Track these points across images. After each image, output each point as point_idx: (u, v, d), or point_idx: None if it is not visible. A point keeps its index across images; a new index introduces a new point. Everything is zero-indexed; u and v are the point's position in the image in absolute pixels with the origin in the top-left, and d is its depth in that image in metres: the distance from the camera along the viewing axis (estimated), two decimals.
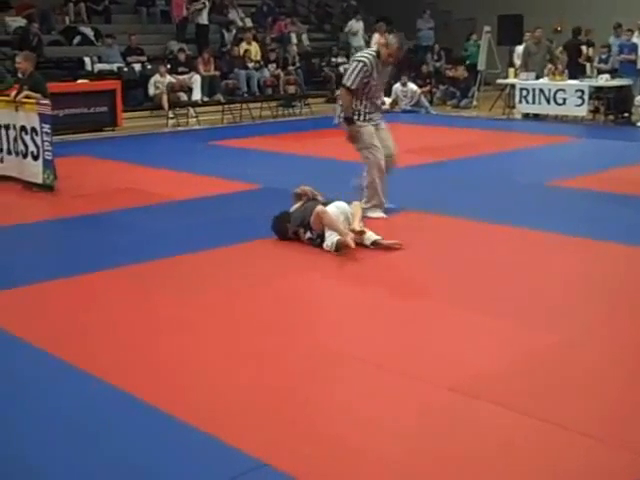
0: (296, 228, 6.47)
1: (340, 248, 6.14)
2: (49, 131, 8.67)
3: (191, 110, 15.68)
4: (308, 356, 4.39)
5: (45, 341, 4.56)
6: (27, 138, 8.88)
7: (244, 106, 16.24)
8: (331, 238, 6.20)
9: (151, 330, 4.78)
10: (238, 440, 3.42)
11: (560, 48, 17.35)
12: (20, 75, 9.67)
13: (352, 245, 6.11)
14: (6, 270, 6.04)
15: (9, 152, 9.22)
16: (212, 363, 4.30)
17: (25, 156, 8.96)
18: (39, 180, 8.83)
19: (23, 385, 4.07)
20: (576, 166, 10.40)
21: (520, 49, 16.96)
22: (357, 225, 6.32)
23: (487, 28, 18.66)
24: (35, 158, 8.83)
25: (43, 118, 8.66)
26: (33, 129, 8.77)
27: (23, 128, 8.89)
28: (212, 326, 4.84)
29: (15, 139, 9.06)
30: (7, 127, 9.15)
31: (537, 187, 8.93)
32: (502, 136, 13.83)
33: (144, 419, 3.68)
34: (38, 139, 8.75)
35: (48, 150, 8.69)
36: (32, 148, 8.86)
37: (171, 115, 15.36)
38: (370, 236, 6.33)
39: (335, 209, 6.41)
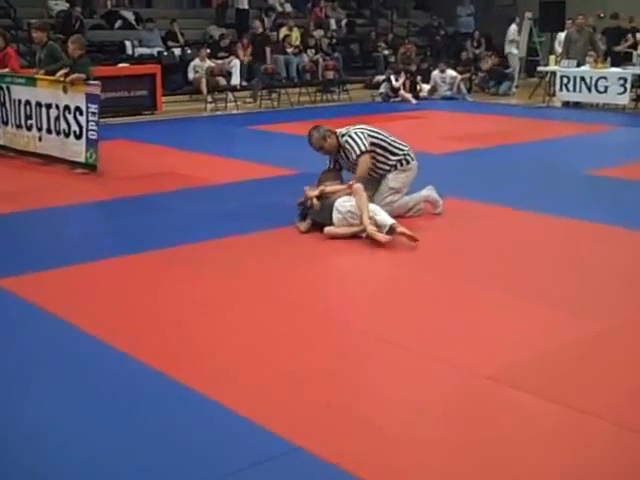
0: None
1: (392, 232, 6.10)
2: (96, 111, 8.79)
3: (230, 95, 15.75)
4: (343, 340, 4.42)
5: (84, 321, 4.64)
6: (70, 117, 9.00)
7: (282, 91, 16.26)
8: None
9: (187, 311, 4.83)
10: (272, 423, 3.45)
11: (599, 35, 17.12)
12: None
13: (380, 239, 6.05)
14: (49, 251, 6.14)
15: (49, 131, 9.34)
16: (246, 345, 4.34)
17: (67, 135, 9.09)
18: (81, 159, 8.97)
19: (63, 363, 4.15)
20: (617, 155, 10.29)
21: (562, 36, 16.77)
22: (366, 221, 6.12)
23: (529, 15, 18.47)
24: (78, 137, 8.97)
25: (90, 98, 8.79)
26: (77, 108, 8.89)
27: (67, 107, 9.02)
28: (247, 309, 4.88)
29: (57, 118, 9.18)
30: (49, 106, 9.26)
31: (577, 176, 8.85)
32: (542, 124, 13.69)
33: (180, 399, 3.73)
34: (82, 119, 8.87)
35: (93, 130, 8.82)
36: (75, 127, 8.98)
37: (210, 99, 15.44)
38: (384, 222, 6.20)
39: (339, 215, 6.27)
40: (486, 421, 3.53)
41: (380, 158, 6.78)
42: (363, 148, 6.64)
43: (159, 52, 16.70)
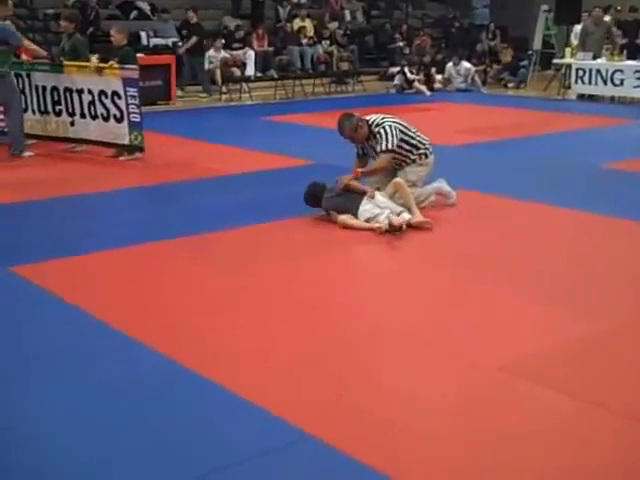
0: (331, 210, 6.49)
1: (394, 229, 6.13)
2: (135, 94, 8.96)
3: (244, 85, 15.76)
4: (352, 331, 4.44)
5: (96, 309, 4.67)
6: (107, 102, 9.13)
7: (297, 82, 16.25)
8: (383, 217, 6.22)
9: (200, 301, 4.86)
10: (283, 412, 3.47)
11: (614, 28, 16.96)
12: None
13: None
14: (64, 239, 6.19)
15: (83, 115, 9.42)
16: (258, 336, 4.35)
17: (106, 119, 9.22)
18: (125, 141, 9.18)
19: (73, 351, 4.18)
20: (633, 148, 10.22)
21: (578, 28, 16.68)
22: (416, 212, 6.30)
23: (545, 7, 18.36)
24: (119, 120, 9.13)
25: (127, 82, 8.94)
26: (115, 93, 9.03)
27: (103, 92, 9.14)
28: (256, 299, 4.90)
29: (92, 103, 9.27)
30: (80, 91, 9.34)
31: (593, 169, 8.82)
32: (557, 117, 13.65)
33: (190, 387, 3.77)
34: (121, 102, 9.03)
35: (135, 113, 9.01)
36: (114, 111, 9.12)
37: (224, 90, 15.45)
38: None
39: (366, 214, 6.32)
40: (496, 412, 3.54)
41: (404, 152, 6.86)
42: (390, 146, 6.71)
43: (174, 43, 16.70)
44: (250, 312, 4.70)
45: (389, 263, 5.78)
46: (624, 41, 16.87)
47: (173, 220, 6.73)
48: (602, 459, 3.19)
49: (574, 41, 16.88)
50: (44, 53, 9.88)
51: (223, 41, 16.27)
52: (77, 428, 3.39)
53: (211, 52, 15.85)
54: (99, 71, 9.17)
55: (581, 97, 15.63)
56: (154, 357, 4.05)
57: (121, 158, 9.31)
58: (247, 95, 15.56)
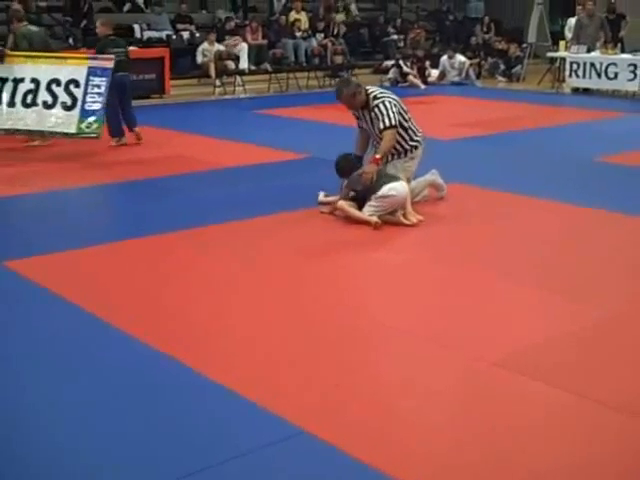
0: (350, 189, 6.47)
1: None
2: (101, 84, 8.86)
3: (238, 79, 15.72)
4: (352, 326, 4.43)
5: (92, 304, 4.66)
6: (58, 90, 8.95)
7: (291, 75, 16.22)
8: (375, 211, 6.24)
9: (196, 295, 4.84)
10: (279, 407, 3.47)
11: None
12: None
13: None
14: (58, 234, 6.17)
15: (11, 104, 9.08)
16: (256, 331, 4.35)
17: (50, 107, 8.99)
18: (72, 130, 8.97)
19: (69, 347, 4.17)
20: (626, 142, 10.23)
21: (572, 21, 16.67)
22: (412, 214, 6.30)
23: (538, 0, 18.34)
24: (68, 109, 8.94)
25: (93, 71, 8.87)
26: (72, 81, 8.91)
27: (54, 81, 8.96)
28: (253, 294, 4.89)
29: (29, 92, 8.99)
30: (20, 80, 9.08)
31: (585, 163, 8.82)
32: (551, 110, 13.64)
33: (186, 382, 3.76)
34: (78, 91, 8.89)
35: (96, 102, 8.85)
36: (64, 99, 8.94)
37: (218, 83, 15.41)
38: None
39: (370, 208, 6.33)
40: (492, 407, 3.54)
41: (399, 138, 6.71)
42: (392, 122, 6.55)
43: (168, 36, 16.65)
44: (247, 307, 4.69)
45: (386, 258, 5.76)
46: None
47: (169, 214, 6.70)
48: (597, 455, 3.19)
49: (568, 34, 16.88)
50: None
51: (215, 34, 16.24)
52: (75, 423, 3.38)
53: (205, 45, 15.81)
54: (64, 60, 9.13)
55: (575, 91, 15.63)
56: (150, 353, 4.04)
57: (32, 144, 9.36)
58: (241, 88, 15.53)
